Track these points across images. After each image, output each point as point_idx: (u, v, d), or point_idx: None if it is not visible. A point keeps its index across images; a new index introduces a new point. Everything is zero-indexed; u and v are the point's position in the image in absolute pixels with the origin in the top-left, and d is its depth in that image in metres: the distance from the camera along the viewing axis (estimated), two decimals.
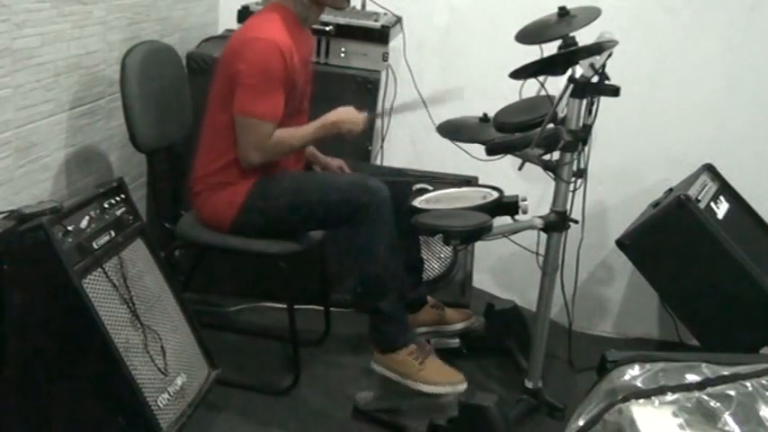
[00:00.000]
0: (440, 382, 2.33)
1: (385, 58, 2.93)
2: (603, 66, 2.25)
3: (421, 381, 2.33)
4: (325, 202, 2.35)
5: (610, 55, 2.26)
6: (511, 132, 2.43)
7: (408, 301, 2.66)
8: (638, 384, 1.45)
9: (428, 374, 2.33)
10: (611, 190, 3.18)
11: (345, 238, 2.40)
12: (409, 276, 2.67)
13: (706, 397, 1.41)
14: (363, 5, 3.17)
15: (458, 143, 2.71)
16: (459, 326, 2.81)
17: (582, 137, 2.33)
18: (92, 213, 2.03)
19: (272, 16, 2.36)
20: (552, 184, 2.42)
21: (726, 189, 3.01)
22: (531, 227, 2.42)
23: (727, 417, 1.38)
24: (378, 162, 3.24)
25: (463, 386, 2.36)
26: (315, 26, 2.78)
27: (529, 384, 2.52)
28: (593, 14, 2.27)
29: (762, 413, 1.38)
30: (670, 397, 1.42)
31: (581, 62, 2.24)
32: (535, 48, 2.29)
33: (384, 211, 2.32)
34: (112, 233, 2.06)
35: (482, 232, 2.25)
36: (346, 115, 2.45)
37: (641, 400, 1.42)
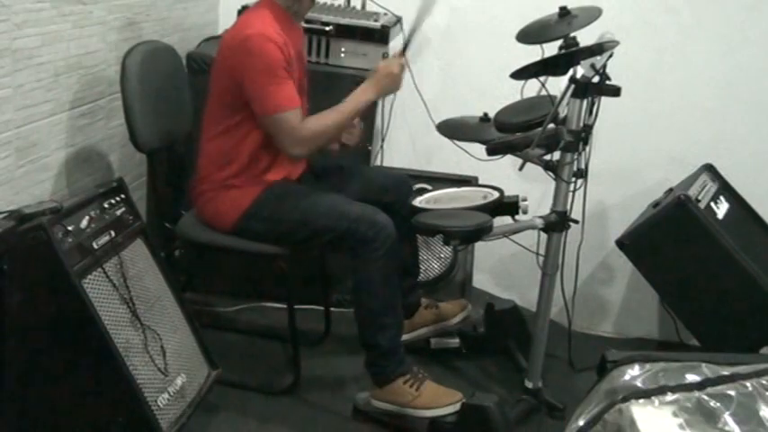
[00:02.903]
0: (439, 405, 2.33)
1: (385, 57, 2.93)
2: (604, 66, 2.25)
3: (420, 407, 2.33)
4: (331, 229, 2.32)
5: (611, 55, 2.26)
6: (511, 132, 2.43)
7: (403, 305, 2.66)
8: (638, 384, 1.45)
9: (426, 400, 2.33)
10: (611, 190, 3.18)
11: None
12: (405, 281, 2.66)
13: (706, 397, 1.41)
14: (363, 5, 3.17)
15: (458, 143, 2.72)
16: (458, 318, 2.79)
17: (583, 137, 2.33)
18: (92, 213, 2.04)
19: (263, 12, 2.35)
20: (552, 184, 2.42)
21: (726, 189, 3.01)
22: (532, 227, 2.42)
23: (727, 417, 1.38)
24: (378, 162, 3.23)
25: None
26: (315, 26, 2.78)
27: (529, 384, 2.53)
28: (593, 14, 2.27)
29: (762, 413, 1.38)
30: (670, 397, 1.42)
31: (582, 62, 2.24)
32: (536, 48, 2.29)
33: (387, 248, 2.29)
34: (112, 233, 2.07)
35: (482, 232, 2.25)
36: (382, 69, 2.43)
37: (641, 400, 1.42)
